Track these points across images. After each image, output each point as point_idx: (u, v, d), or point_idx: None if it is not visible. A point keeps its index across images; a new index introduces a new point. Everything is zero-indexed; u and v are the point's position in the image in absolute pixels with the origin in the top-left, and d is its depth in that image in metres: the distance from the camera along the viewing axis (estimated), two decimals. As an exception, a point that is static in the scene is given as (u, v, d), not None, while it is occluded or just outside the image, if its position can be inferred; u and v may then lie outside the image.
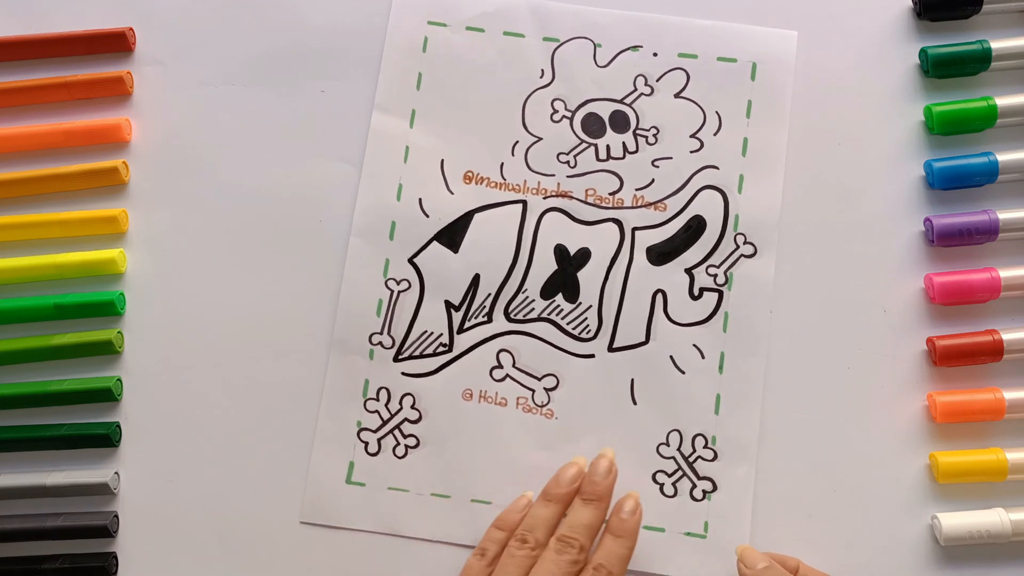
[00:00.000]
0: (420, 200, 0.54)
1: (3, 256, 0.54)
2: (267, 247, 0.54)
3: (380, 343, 0.53)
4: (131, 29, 0.57)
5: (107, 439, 0.51)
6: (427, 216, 0.54)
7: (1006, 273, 0.51)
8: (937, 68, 0.54)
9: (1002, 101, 0.52)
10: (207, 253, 0.54)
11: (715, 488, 0.50)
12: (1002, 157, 0.52)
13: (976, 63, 0.53)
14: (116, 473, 0.52)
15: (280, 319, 0.53)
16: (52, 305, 0.53)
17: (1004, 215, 0.51)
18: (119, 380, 0.53)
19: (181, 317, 0.53)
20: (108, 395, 0.52)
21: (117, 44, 0.56)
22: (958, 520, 0.48)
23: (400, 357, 0.52)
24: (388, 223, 0.54)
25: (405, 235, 0.54)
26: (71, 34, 0.56)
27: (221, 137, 0.55)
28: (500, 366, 0.52)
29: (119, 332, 0.53)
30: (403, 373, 0.52)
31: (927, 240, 0.53)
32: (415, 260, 0.53)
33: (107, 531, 0.50)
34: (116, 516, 0.51)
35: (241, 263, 0.54)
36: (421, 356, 0.52)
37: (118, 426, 0.52)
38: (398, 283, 0.53)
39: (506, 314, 0.53)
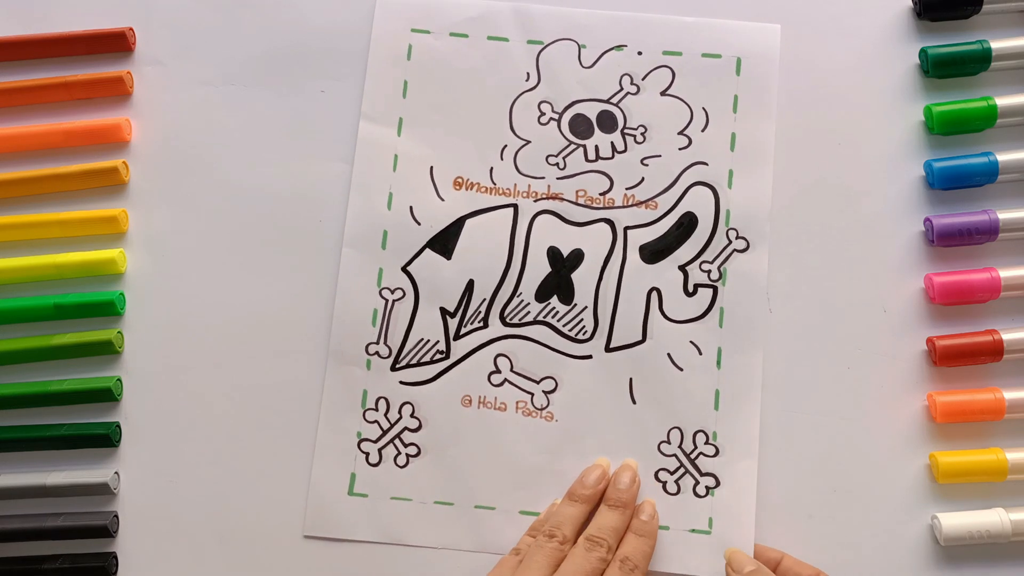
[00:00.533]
0: (411, 208, 0.54)
1: (3, 256, 0.54)
2: (267, 247, 0.54)
3: (377, 353, 0.52)
4: (131, 29, 0.57)
5: (107, 439, 0.51)
6: (418, 224, 0.54)
7: (1006, 273, 0.51)
8: (937, 68, 0.53)
9: (1002, 101, 0.52)
10: (207, 253, 0.54)
11: (718, 484, 0.50)
12: (1002, 157, 0.52)
13: (976, 63, 0.53)
14: (116, 473, 0.52)
15: (280, 319, 0.53)
16: (52, 305, 0.53)
17: (1004, 215, 0.51)
18: (119, 380, 0.53)
19: (181, 317, 0.53)
20: (108, 395, 0.52)
21: (117, 44, 0.57)
22: (958, 520, 0.48)
23: (397, 366, 0.52)
24: (380, 232, 0.54)
25: (397, 243, 0.53)
26: (71, 34, 0.56)
27: (221, 137, 0.55)
28: (498, 371, 0.52)
29: (119, 332, 0.53)
30: (401, 382, 0.52)
31: (927, 240, 0.52)
32: (408, 268, 0.53)
33: (107, 531, 0.50)
34: (116, 516, 0.51)
35: (241, 263, 0.54)
36: (419, 364, 0.52)
37: (118, 426, 0.52)
38: (392, 292, 0.53)
39: (502, 319, 0.52)
